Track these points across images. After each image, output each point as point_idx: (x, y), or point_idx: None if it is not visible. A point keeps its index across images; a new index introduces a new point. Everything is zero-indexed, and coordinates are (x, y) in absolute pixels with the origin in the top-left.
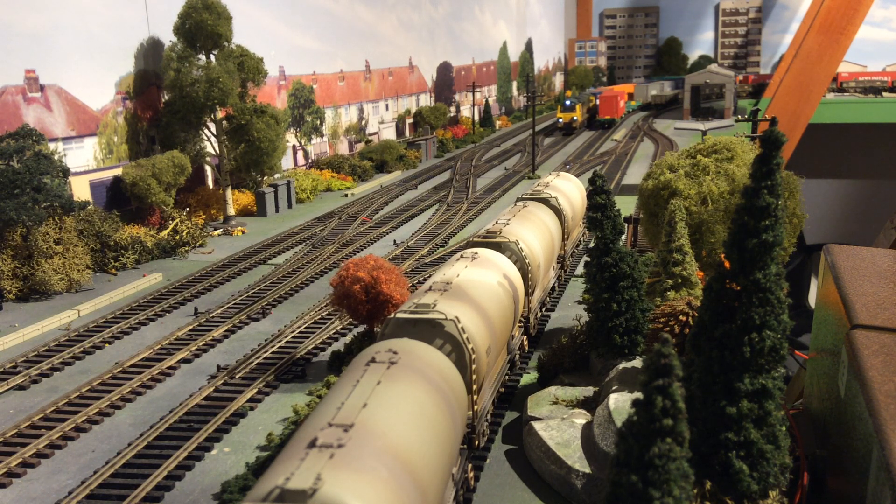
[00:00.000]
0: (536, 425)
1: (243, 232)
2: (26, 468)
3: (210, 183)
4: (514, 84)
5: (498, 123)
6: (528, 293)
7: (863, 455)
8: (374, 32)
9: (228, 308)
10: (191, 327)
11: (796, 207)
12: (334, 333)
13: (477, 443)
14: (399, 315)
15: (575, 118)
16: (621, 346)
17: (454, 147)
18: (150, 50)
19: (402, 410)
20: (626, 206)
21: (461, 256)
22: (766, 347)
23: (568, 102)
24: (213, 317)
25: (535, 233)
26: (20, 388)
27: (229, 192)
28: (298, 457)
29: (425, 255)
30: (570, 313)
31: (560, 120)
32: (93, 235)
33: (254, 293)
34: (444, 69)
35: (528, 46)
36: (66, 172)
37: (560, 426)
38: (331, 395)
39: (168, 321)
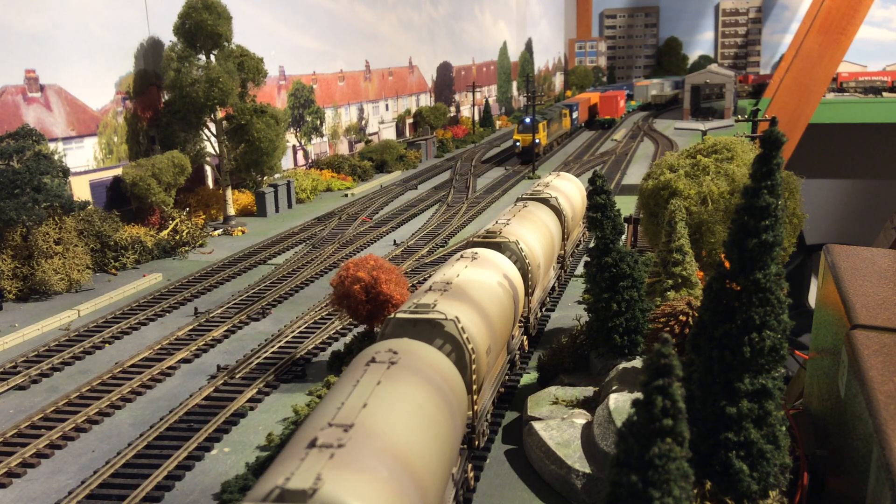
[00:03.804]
0: (536, 425)
1: (243, 232)
2: (26, 468)
3: (210, 183)
4: (514, 84)
5: (498, 123)
6: (528, 293)
7: (863, 455)
8: (374, 32)
9: (228, 308)
10: (191, 327)
11: (796, 207)
12: (334, 333)
13: (477, 443)
14: (399, 315)
15: (537, 140)
16: (621, 346)
17: (454, 147)
18: (150, 50)
19: (402, 410)
20: (626, 206)
21: (461, 256)
22: (766, 347)
23: (528, 120)
24: (213, 317)
25: (535, 233)
26: (20, 388)
27: (229, 192)
28: (298, 457)
29: (425, 255)
30: (570, 313)
31: (517, 143)
32: (93, 235)
33: (254, 293)
34: (444, 69)
35: (528, 46)
36: (66, 172)
37: (560, 426)
38: (331, 395)
39: (168, 321)
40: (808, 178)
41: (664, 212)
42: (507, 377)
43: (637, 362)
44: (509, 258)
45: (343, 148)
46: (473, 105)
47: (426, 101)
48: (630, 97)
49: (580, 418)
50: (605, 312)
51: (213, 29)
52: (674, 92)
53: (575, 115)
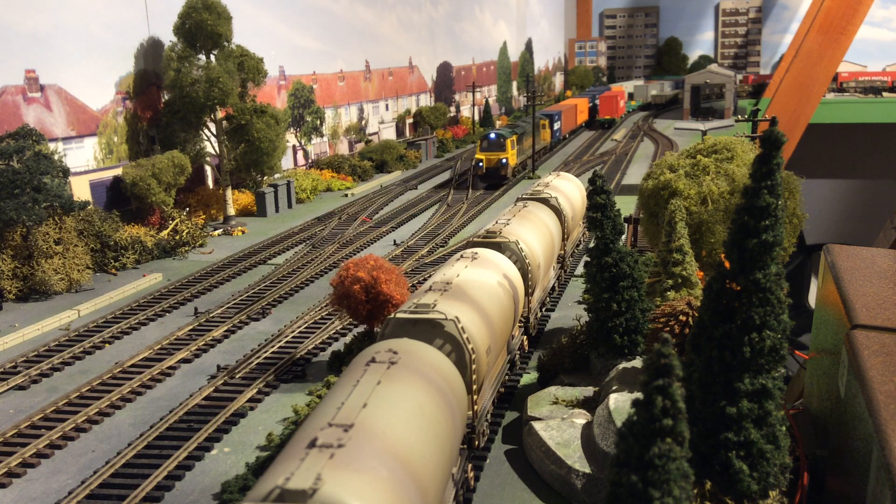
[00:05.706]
0: (536, 425)
1: (243, 232)
2: (26, 468)
3: (210, 183)
4: (514, 84)
5: (498, 123)
6: (528, 293)
7: (863, 455)
8: (374, 32)
9: (228, 308)
10: (191, 327)
11: (796, 207)
12: (334, 333)
13: (477, 443)
14: (399, 315)
15: (504, 160)
16: (621, 346)
17: (454, 147)
18: (150, 50)
19: (402, 410)
20: (626, 206)
21: (461, 256)
22: (766, 347)
23: (493, 136)
24: (213, 317)
25: (535, 233)
26: (20, 388)
27: (229, 192)
28: (298, 457)
29: (425, 255)
30: (570, 313)
31: (480, 164)
32: (93, 235)
33: (254, 293)
34: (444, 69)
35: (528, 46)
36: (66, 172)
37: (560, 426)
38: (331, 395)
39: (168, 321)
40: (808, 178)
41: (664, 212)
42: (507, 377)
43: (637, 362)
44: (509, 258)
45: (343, 148)
46: (473, 105)
47: (426, 101)
48: (631, 97)
49: (580, 418)
50: (605, 312)
51: (213, 29)
52: (672, 92)
53: (556, 125)
